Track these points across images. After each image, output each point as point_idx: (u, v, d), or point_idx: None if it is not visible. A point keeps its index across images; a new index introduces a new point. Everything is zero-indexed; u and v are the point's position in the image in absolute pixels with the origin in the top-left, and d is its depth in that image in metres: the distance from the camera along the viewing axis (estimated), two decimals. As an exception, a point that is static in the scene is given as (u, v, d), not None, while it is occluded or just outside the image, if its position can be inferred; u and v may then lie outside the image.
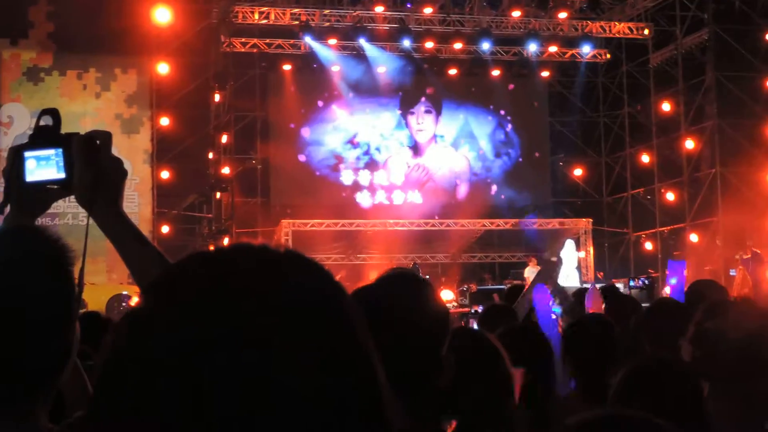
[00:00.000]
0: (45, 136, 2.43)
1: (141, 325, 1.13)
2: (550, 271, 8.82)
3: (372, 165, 34.49)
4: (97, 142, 2.42)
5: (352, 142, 34.41)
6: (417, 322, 2.91)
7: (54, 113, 2.47)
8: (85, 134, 2.43)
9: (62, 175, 2.41)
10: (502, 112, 36.03)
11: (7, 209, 2.44)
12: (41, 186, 2.44)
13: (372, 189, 34.45)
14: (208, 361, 1.07)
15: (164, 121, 28.43)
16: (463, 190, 35.21)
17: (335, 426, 1.10)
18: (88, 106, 27.62)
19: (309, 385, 1.09)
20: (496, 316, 7.01)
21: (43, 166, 2.41)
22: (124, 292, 23.71)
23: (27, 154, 2.42)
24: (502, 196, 35.06)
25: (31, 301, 2.03)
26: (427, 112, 35.49)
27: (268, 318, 1.10)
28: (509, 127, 36.06)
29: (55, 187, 2.45)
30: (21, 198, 2.44)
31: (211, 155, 30.79)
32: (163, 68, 28.09)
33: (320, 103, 34.21)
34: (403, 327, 2.70)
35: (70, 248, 2.14)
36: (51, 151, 2.41)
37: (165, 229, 27.87)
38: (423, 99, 35.32)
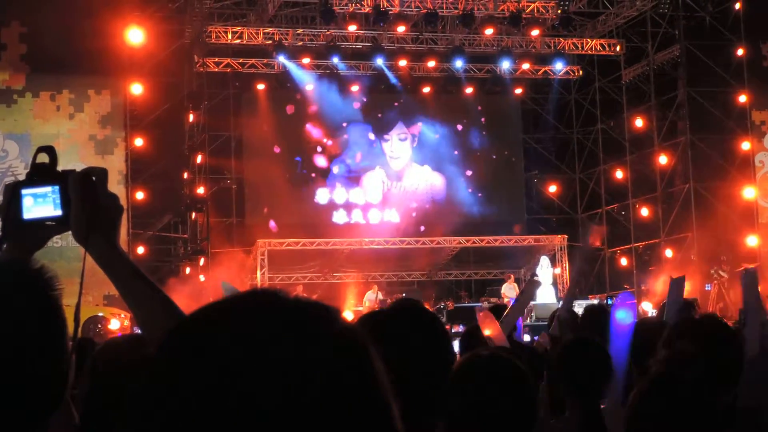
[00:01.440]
0: (42, 173, 2.45)
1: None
2: (533, 290, 8.85)
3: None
4: (93, 178, 2.43)
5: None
6: (422, 354, 2.93)
7: (50, 151, 2.49)
8: (81, 171, 2.44)
9: (59, 212, 2.42)
10: (476, 130, 36.10)
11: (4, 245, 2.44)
12: (39, 223, 2.45)
13: (348, 208, 34.46)
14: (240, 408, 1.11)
15: (138, 142, 28.28)
16: (439, 208, 35.22)
17: None
18: (61, 127, 27.47)
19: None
20: (478, 337, 7.01)
21: (41, 204, 2.43)
22: (100, 314, 23.62)
23: (24, 191, 2.43)
24: (477, 211, 35.05)
25: (21, 336, 2.01)
26: (402, 139, 35.54)
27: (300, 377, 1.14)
28: (484, 144, 36.11)
29: (53, 223, 2.46)
30: (18, 235, 2.45)
31: (185, 175, 30.69)
32: (136, 89, 27.98)
33: (293, 123, 34.20)
34: (408, 359, 2.70)
35: (58, 280, 2.13)
36: (48, 189, 2.42)
37: (140, 250, 27.72)
38: (399, 123, 35.36)
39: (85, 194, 2.40)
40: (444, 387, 3.11)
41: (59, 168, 2.46)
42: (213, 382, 1.12)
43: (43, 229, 2.48)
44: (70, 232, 2.47)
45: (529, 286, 9.41)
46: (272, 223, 33.58)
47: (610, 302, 28.03)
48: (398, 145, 35.47)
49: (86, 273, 2.38)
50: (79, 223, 2.41)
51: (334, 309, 1.25)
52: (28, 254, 2.43)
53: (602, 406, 5.00)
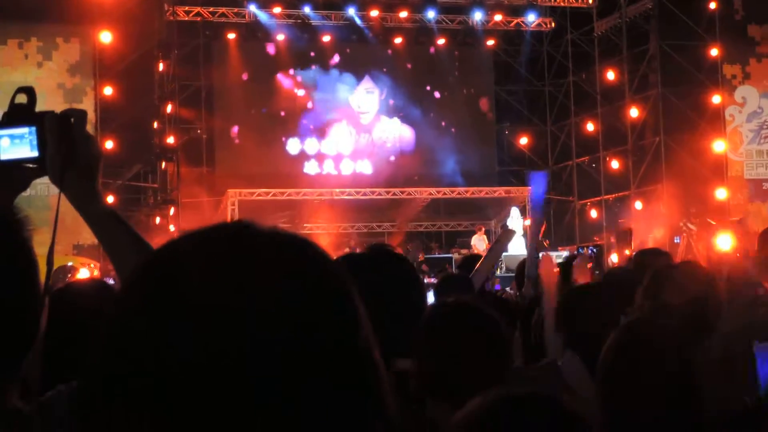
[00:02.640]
0: (19, 114, 2.43)
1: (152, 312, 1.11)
2: (507, 240, 8.84)
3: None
4: (72, 120, 2.42)
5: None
6: (396, 297, 2.96)
7: (29, 91, 2.46)
8: (60, 113, 2.43)
9: (35, 153, 2.41)
10: (448, 81, 36.02)
11: None
12: (15, 164, 2.43)
13: (320, 158, 34.38)
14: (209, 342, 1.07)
15: (108, 91, 28.04)
16: (408, 160, 35.19)
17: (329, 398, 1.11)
18: (29, 75, 27.16)
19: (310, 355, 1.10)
20: (452, 286, 7.03)
21: (17, 145, 2.41)
22: (69, 263, 23.50)
23: (1, 132, 2.42)
24: (448, 163, 35.00)
25: None
26: (370, 92, 35.37)
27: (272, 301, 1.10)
28: (455, 95, 36.06)
29: (30, 165, 2.44)
30: None
31: (155, 125, 30.54)
32: (105, 37, 27.70)
33: (263, 73, 34.00)
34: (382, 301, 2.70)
35: (30, 222, 2.12)
36: (24, 130, 2.41)
37: (110, 199, 27.47)
38: (366, 76, 35.18)
39: (61, 135, 2.39)
40: (415, 332, 3.14)
41: (38, 110, 2.45)
42: (185, 315, 1.08)
43: (21, 170, 2.46)
44: (46, 177, 2.46)
45: (503, 236, 9.40)
46: (235, 129, 33.53)
47: (581, 252, 28.19)
48: (365, 98, 35.30)
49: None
50: (55, 164, 2.39)
51: (315, 244, 1.22)
52: (11, 196, 2.43)
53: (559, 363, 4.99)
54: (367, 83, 35.22)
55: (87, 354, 1.18)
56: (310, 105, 34.56)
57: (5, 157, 2.42)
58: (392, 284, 3.04)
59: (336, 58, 34.57)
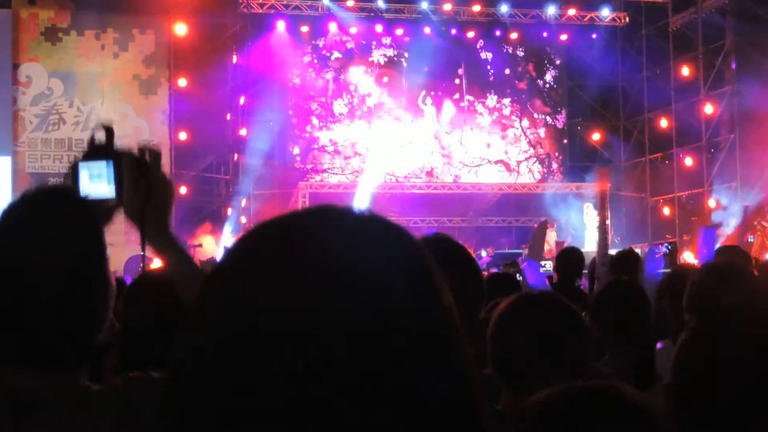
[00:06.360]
0: (98, 150, 2.56)
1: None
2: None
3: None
4: (147, 160, 2.55)
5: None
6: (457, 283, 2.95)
7: (108, 130, 2.58)
8: (137, 153, 2.55)
9: (113, 194, 2.53)
10: (521, 76, 35.86)
11: None
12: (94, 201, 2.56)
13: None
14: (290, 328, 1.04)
15: (182, 82, 28.38)
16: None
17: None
18: (106, 66, 27.56)
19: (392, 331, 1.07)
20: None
21: (96, 181, 2.54)
22: (142, 253, 23.76)
23: (81, 164, 2.55)
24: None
25: (62, 260, 2.12)
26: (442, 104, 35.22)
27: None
28: (528, 90, 35.88)
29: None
30: None
31: (228, 116, 30.76)
32: (180, 29, 28.03)
33: (336, 65, 34.08)
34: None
35: (108, 219, 2.25)
36: (102, 164, 2.53)
37: (183, 190, 27.83)
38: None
39: (138, 175, 2.52)
40: (474, 322, 3.13)
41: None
42: (266, 307, 1.05)
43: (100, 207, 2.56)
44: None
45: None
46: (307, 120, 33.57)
47: (656, 251, 27.91)
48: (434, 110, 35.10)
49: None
50: (133, 204, 2.52)
51: (398, 225, 1.20)
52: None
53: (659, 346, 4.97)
54: (433, 82, 34.99)
55: (159, 343, 1.20)
56: (379, 99, 34.50)
57: (85, 192, 2.53)
58: (450, 272, 3.04)
59: (408, 55, 34.42)
